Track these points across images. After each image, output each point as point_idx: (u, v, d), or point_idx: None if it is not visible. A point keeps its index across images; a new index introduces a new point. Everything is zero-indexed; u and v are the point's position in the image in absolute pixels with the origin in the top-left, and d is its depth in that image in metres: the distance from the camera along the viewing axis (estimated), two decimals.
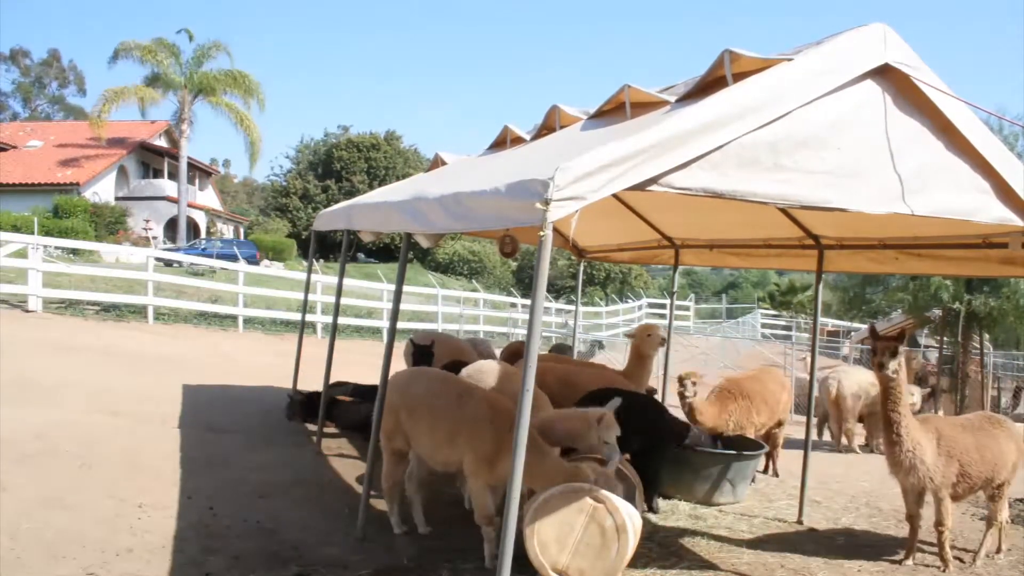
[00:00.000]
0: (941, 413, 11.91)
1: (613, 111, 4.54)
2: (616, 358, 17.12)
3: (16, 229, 20.86)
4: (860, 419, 10.25)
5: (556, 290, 36.14)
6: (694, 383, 6.50)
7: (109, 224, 30.23)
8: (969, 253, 5.06)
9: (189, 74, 32.86)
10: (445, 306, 21.52)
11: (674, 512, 6.08)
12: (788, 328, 33.45)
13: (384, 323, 18.59)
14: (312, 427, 7.95)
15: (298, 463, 6.72)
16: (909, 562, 5.17)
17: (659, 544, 5.24)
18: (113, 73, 39.69)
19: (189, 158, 34.53)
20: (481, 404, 4.59)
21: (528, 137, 5.92)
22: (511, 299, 27.72)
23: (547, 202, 2.85)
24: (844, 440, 9.93)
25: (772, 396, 7.28)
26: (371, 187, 35.00)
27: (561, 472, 4.21)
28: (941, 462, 4.86)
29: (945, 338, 13.05)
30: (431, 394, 4.85)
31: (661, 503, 6.10)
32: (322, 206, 34.39)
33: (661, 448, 5.95)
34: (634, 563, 4.34)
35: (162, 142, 38.52)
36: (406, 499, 5.21)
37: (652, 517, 5.81)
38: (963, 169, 3.81)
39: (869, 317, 19.40)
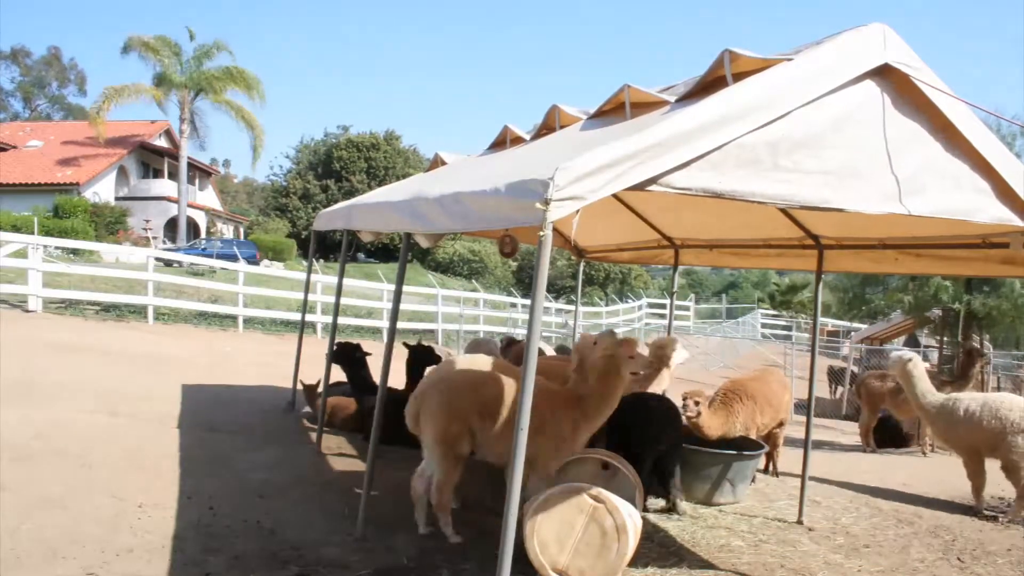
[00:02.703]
0: None
1: (613, 111, 4.55)
2: None
3: (16, 229, 20.89)
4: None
5: (556, 290, 36.15)
6: (696, 403, 6.43)
7: (109, 224, 30.25)
8: (969, 253, 5.06)
9: (189, 73, 32.88)
10: (445, 306, 21.51)
11: (674, 512, 6.08)
12: (788, 328, 33.47)
13: (384, 323, 18.58)
14: (312, 427, 7.95)
15: (298, 463, 6.72)
16: None
17: (659, 544, 5.24)
18: (117, 71, 39.78)
19: (189, 158, 34.55)
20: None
21: (528, 137, 5.92)
22: (511, 299, 27.73)
23: (547, 202, 2.85)
24: None
25: (776, 396, 7.28)
26: (371, 187, 35.01)
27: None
28: None
29: (945, 338, 13.03)
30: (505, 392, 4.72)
31: (661, 503, 6.10)
32: (322, 206, 34.41)
33: (680, 449, 5.98)
34: (634, 563, 4.34)
35: (162, 142, 38.54)
36: (412, 499, 5.20)
37: (651, 516, 5.81)
38: (962, 169, 3.81)
39: (869, 317, 19.39)
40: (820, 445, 10.57)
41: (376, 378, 7.53)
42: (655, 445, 5.68)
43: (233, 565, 4.37)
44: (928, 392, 7.12)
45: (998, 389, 12.82)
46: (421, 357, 7.41)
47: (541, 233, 2.88)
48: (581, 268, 10.37)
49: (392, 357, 5.20)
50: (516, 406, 4.54)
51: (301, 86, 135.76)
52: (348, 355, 7.87)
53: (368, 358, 8.06)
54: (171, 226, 35.28)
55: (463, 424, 4.71)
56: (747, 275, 62.03)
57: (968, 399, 7.09)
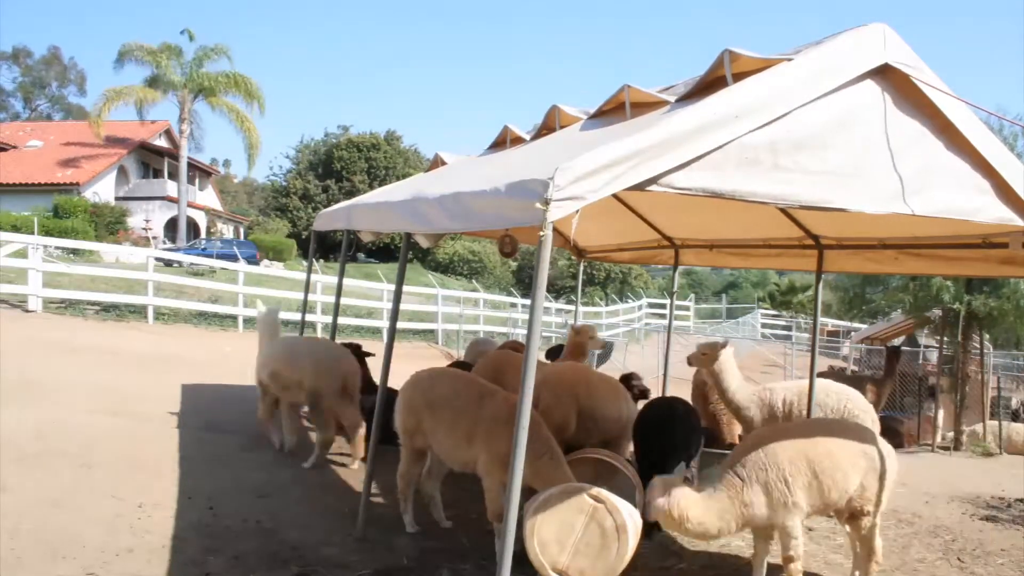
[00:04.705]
0: (941, 413, 11.88)
1: (613, 111, 4.55)
2: (616, 358, 17.11)
3: (16, 229, 20.85)
4: None
5: (556, 290, 36.11)
6: None
7: (109, 224, 30.22)
8: (969, 253, 5.07)
9: (190, 74, 32.87)
10: (445, 306, 21.50)
11: None
12: (788, 328, 33.44)
13: (384, 323, 18.57)
14: (312, 427, 7.94)
15: (298, 463, 6.72)
16: None
17: (659, 544, 5.23)
18: (116, 74, 39.59)
19: (189, 158, 34.54)
20: (500, 405, 4.58)
21: (528, 137, 5.92)
22: (511, 299, 27.71)
23: (547, 202, 2.85)
24: None
25: None
26: (371, 187, 34.99)
27: (571, 480, 4.21)
28: None
29: (945, 338, 13.01)
30: (453, 394, 4.85)
31: None
32: (322, 206, 34.39)
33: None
34: (634, 563, 4.34)
35: (162, 142, 38.52)
36: (425, 497, 5.27)
37: None
38: (963, 169, 3.81)
39: (869, 317, 19.36)
40: None
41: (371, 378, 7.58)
42: (683, 451, 5.66)
43: (233, 565, 4.37)
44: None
45: (998, 389, 12.79)
46: None
47: (541, 233, 2.88)
48: (581, 268, 10.37)
49: (392, 357, 5.21)
50: (456, 408, 4.70)
51: (301, 86, 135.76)
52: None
53: (373, 360, 8.04)
54: (171, 226, 35.26)
55: (415, 418, 4.90)
56: (747, 275, 61.89)
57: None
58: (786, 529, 4.23)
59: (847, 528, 4.62)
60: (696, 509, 4.10)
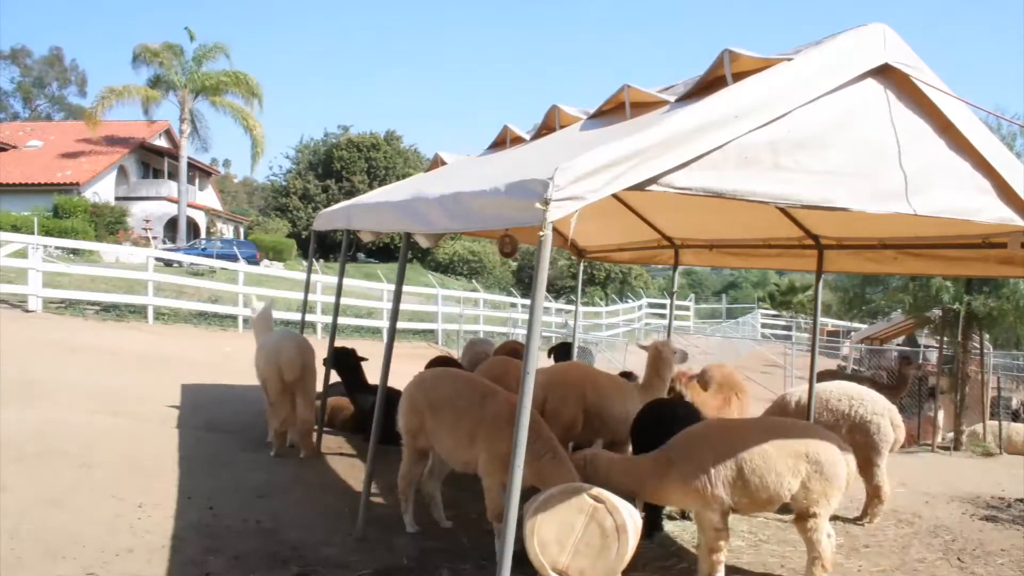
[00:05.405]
0: (941, 414, 11.88)
1: (613, 111, 4.55)
2: (616, 358, 17.12)
3: (16, 229, 20.86)
4: None
5: (556, 290, 36.12)
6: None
7: (109, 224, 30.21)
8: (969, 253, 5.07)
9: (190, 74, 32.86)
10: (445, 306, 21.50)
11: (674, 512, 6.07)
12: (788, 328, 33.46)
13: (384, 323, 18.58)
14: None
15: (298, 463, 6.72)
16: None
17: (659, 544, 5.23)
18: (117, 73, 39.85)
19: (189, 158, 34.54)
20: (502, 405, 4.58)
21: (528, 137, 5.92)
22: (511, 299, 27.71)
23: (547, 202, 2.85)
24: None
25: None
26: (371, 187, 34.99)
27: (574, 479, 4.21)
28: None
29: (945, 338, 13.00)
30: (455, 394, 4.86)
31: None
32: (322, 206, 34.38)
33: None
34: (634, 563, 4.34)
35: (162, 142, 38.53)
36: (426, 497, 5.27)
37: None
38: (963, 169, 3.82)
39: (869, 317, 19.36)
40: None
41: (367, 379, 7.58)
42: None
43: (233, 565, 4.37)
44: None
45: (998, 390, 12.79)
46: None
47: (541, 233, 2.88)
48: (581, 268, 10.37)
49: (392, 357, 5.21)
50: (458, 408, 4.70)
51: (301, 86, 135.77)
52: (343, 360, 7.83)
53: (373, 360, 8.03)
54: (171, 226, 35.26)
55: (418, 419, 4.91)
56: (747, 275, 61.87)
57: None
58: (702, 519, 4.34)
59: (796, 527, 4.56)
60: (610, 465, 4.35)
